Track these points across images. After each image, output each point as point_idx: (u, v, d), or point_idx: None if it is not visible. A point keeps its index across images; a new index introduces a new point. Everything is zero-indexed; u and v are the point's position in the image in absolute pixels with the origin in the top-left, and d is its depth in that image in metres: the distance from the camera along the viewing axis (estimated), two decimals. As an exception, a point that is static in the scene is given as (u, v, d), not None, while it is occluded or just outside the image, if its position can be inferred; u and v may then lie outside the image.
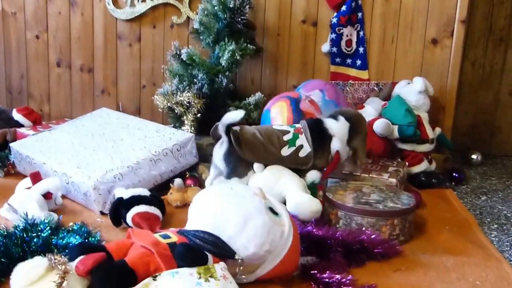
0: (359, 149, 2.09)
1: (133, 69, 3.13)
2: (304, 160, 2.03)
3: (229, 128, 1.97)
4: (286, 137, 2.04)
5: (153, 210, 1.86)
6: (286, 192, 1.90)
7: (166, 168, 2.22)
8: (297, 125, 2.10)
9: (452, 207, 2.24)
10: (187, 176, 2.28)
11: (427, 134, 2.53)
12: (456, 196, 2.40)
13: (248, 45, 2.58)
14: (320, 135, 2.04)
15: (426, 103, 2.60)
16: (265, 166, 2.00)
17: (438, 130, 2.63)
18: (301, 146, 2.02)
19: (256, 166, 1.98)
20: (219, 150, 2.01)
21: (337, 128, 2.05)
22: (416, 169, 2.50)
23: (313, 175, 2.04)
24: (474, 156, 3.01)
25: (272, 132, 2.05)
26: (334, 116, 2.09)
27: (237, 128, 2.02)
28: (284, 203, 1.87)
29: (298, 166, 2.03)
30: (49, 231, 1.62)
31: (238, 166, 1.98)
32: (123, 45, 3.12)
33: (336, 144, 2.04)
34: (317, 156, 2.03)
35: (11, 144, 2.42)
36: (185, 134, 2.33)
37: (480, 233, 1.97)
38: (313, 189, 2.00)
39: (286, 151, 2.01)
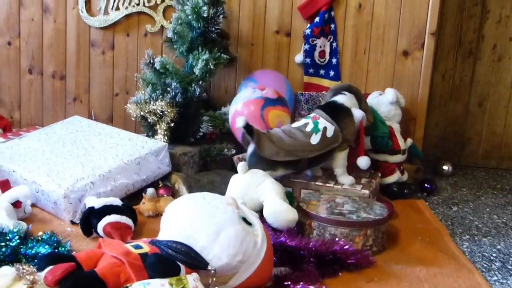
0: (367, 110, 2.34)
1: (106, 77, 3.09)
2: (333, 138, 2.17)
3: (251, 129, 2.08)
4: (308, 128, 2.16)
5: (125, 220, 1.83)
6: (265, 198, 1.89)
7: (138, 177, 2.19)
8: (311, 115, 2.22)
9: (424, 218, 2.25)
10: (160, 185, 2.26)
11: (399, 144, 2.55)
12: (428, 207, 2.42)
13: (222, 54, 2.57)
14: (336, 111, 2.22)
15: (398, 114, 2.62)
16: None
17: (409, 141, 2.65)
18: (325, 128, 2.16)
19: (240, 166, 1.98)
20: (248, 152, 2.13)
21: (349, 100, 2.28)
22: (389, 179, 2.51)
23: (363, 162, 2.23)
24: (445, 167, 3.04)
25: (294, 130, 2.16)
26: (338, 93, 2.31)
27: (264, 131, 2.15)
28: (261, 210, 1.86)
29: (331, 147, 2.16)
30: (18, 240, 1.58)
31: (261, 167, 2.06)
32: (96, 53, 3.08)
33: (358, 113, 2.25)
34: (343, 129, 2.19)
35: (-21, 152, 2.37)
36: (158, 143, 2.31)
37: (452, 243, 1.98)
38: (290, 198, 2.00)
39: (315, 139, 2.14)
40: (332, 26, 2.79)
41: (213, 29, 2.58)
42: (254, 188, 1.93)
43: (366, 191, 2.16)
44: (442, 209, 2.42)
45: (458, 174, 3.08)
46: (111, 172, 2.10)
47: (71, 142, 2.37)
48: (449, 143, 3.34)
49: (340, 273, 1.65)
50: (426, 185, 2.62)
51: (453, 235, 2.09)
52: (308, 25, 2.80)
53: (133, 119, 2.61)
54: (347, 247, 1.71)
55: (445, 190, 2.74)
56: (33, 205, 2.08)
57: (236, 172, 2.04)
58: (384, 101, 2.61)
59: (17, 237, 1.59)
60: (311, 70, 2.85)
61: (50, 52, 3.13)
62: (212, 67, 2.52)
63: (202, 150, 2.53)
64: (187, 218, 1.45)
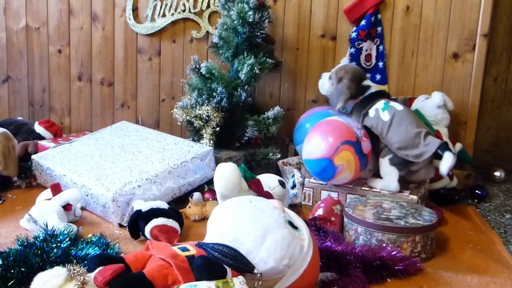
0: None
1: (152, 83, 3.15)
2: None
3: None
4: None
5: (172, 223, 1.86)
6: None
7: (184, 181, 2.22)
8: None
9: (475, 225, 2.20)
10: (205, 189, 2.28)
11: (447, 149, 2.50)
12: (479, 214, 2.36)
13: (267, 59, 2.58)
14: (367, 99, 2.35)
15: (445, 118, 2.57)
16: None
17: (459, 145, 2.59)
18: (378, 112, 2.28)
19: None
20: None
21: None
22: (437, 185, 2.46)
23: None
24: (497, 173, 2.96)
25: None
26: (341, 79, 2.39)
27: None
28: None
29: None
30: (68, 242, 1.62)
31: None
32: (143, 59, 3.14)
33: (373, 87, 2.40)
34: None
35: (32, 156, 2.45)
36: (204, 147, 2.34)
37: (505, 252, 1.92)
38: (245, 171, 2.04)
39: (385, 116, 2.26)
40: (379, 29, 2.77)
41: (259, 33, 2.60)
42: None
43: (415, 197, 2.13)
44: (494, 217, 2.36)
45: (511, 180, 3.00)
46: (158, 176, 2.14)
47: (119, 146, 2.42)
48: (501, 149, 3.25)
49: (387, 280, 1.63)
50: (477, 191, 2.56)
51: (506, 243, 2.03)
52: (354, 28, 2.79)
53: (179, 124, 2.64)
54: (394, 253, 1.68)
55: (497, 197, 2.67)
56: (83, 208, 2.13)
57: (281, 175, 2.05)
58: (431, 105, 2.57)
59: (67, 239, 1.63)
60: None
61: (99, 60, 3.21)
62: (257, 71, 2.54)
63: (247, 155, 2.55)
64: (233, 222, 1.46)
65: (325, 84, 2.51)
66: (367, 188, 2.21)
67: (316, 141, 2.19)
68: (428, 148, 2.16)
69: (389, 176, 2.21)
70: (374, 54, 2.80)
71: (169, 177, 2.17)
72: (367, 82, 2.40)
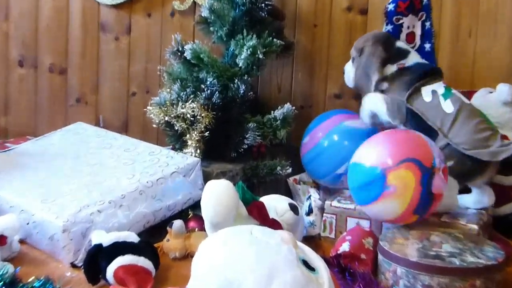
0: None
1: (119, 71, 3.15)
2: None
3: None
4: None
5: (143, 262, 1.84)
6: None
7: (161, 205, 2.20)
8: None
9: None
10: (189, 216, 2.27)
11: (518, 161, 2.49)
12: (560, 249, 2.34)
13: (275, 39, 2.58)
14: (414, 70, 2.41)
15: (514, 118, 2.56)
16: None
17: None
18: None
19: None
20: None
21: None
22: (504, 209, 2.45)
23: None
24: None
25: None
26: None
27: None
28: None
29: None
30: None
31: None
32: (107, 39, 3.14)
33: None
34: None
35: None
36: (188, 158, 2.33)
37: None
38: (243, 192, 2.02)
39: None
40: (425, -1, 2.78)
41: (263, 5, 2.61)
42: None
43: (474, 226, 2.11)
44: None
45: None
46: (125, 197, 2.12)
47: (73, 157, 2.42)
48: None
49: None
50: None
51: None
52: (392, -2, 2.80)
53: (155, 126, 2.64)
54: (447, 303, 1.67)
55: None
56: (22, 241, 2.11)
57: (291, 197, 2.04)
58: (495, 101, 2.55)
59: (1, 283, 1.62)
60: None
61: (47, 39, 3.22)
62: (261, 56, 2.54)
63: (247, 168, 2.55)
64: (227, 260, 1.44)
65: (350, 72, 2.53)
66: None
67: (375, 144, 2.14)
68: (508, 148, 2.20)
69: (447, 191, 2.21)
70: (418, 32, 2.81)
71: (140, 199, 2.15)
72: (403, 45, 2.50)
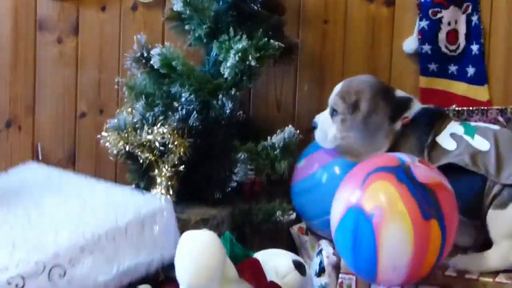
0: None
1: (64, 84, 3.15)
2: None
3: None
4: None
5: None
6: None
7: (114, 268, 2.19)
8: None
9: None
10: (160, 279, 2.26)
11: None
12: None
13: (271, 40, 2.59)
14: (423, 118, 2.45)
15: None
16: None
17: None
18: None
19: None
20: None
21: None
22: None
23: None
24: None
25: None
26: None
27: None
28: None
29: None
30: None
31: None
32: (48, 42, 3.14)
33: None
34: None
35: None
36: (156, 201, 2.33)
37: None
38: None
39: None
40: (471, -15, 2.80)
41: (255, -4, 2.61)
42: None
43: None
44: None
45: None
46: (60, 257, 2.11)
47: (6, 203, 2.41)
48: None
49: None
50: None
51: None
52: (427, -15, 2.82)
53: (112, 158, 2.63)
54: None
55: None
56: None
57: (296, 252, 2.04)
58: None
59: None
60: (432, 66, 2.85)
61: (-33, 41, 3.22)
62: (253, 63, 2.54)
63: (236, 214, 2.55)
64: None
65: (329, 128, 2.51)
66: (454, 274, 2.20)
67: (338, 192, 2.19)
68: None
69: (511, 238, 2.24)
70: (462, 30, 2.83)
71: (82, 259, 2.13)
72: (401, 92, 2.51)
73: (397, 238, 2.00)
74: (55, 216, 2.30)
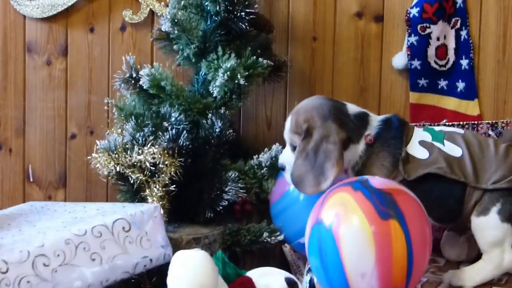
0: None
1: (53, 106, 3.15)
2: None
3: None
4: None
5: None
6: None
7: (103, 262, 2.20)
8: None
9: None
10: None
11: None
12: None
13: (260, 59, 2.59)
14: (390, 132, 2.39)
15: None
16: None
17: None
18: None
19: None
20: None
21: None
22: None
23: None
24: None
25: None
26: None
27: None
28: None
29: None
30: None
31: None
32: (37, 64, 3.15)
33: None
34: None
35: None
36: (144, 205, 2.35)
37: None
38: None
39: None
40: (459, 0, 2.80)
41: (243, 14, 2.62)
42: None
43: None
44: None
45: None
46: (45, 247, 2.10)
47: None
48: None
49: None
50: None
51: None
52: (415, 0, 2.82)
53: (103, 179, 2.63)
54: None
55: None
56: None
57: (289, 270, 2.04)
58: None
59: None
60: (422, 82, 2.86)
61: (-44, 65, 3.22)
62: (242, 81, 2.54)
63: (226, 234, 2.55)
64: None
65: (286, 158, 2.47)
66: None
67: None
68: None
69: (500, 244, 2.24)
70: (451, 45, 2.85)
71: (68, 252, 2.13)
72: (352, 107, 2.43)
73: (357, 241, 2.00)
74: (45, 227, 2.31)
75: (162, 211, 2.47)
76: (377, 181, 2.12)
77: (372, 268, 1.96)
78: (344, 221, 2.01)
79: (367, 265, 1.97)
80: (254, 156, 2.65)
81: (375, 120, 2.39)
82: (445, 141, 2.31)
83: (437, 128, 2.37)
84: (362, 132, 2.36)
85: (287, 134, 2.44)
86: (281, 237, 2.54)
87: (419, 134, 2.35)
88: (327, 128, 2.32)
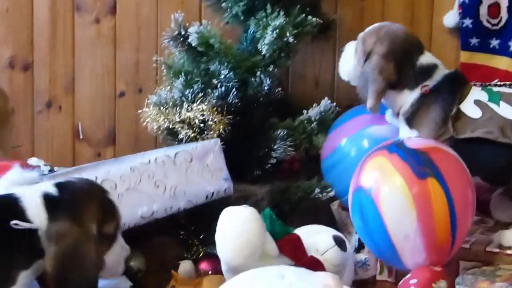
0: None
1: (102, 64, 3.17)
2: None
3: None
4: None
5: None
6: None
7: (166, 190, 2.25)
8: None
9: None
10: (200, 254, 2.27)
11: None
12: None
13: (309, 17, 2.59)
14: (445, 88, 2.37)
15: None
16: None
17: None
18: None
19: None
20: None
21: None
22: None
23: None
24: None
25: None
26: None
27: None
28: None
29: None
30: None
31: None
32: (85, 22, 3.16)
33: None
34: None
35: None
36: (204, 141, 2.41)
37: None
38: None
39: None
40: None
41: (291, -29, 2.61)
42: None
43: None
44: None
45: None
46: (110, 173, 2.19)
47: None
48: None
49: None
50: None
51: None
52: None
53: (152, 134, 2.65)
54: None
55: None
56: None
57: (337, 228, 2.05)
58: None
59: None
60: (473, 41, 2.83)
61: (6, 25, 3.23)
62: (291, 40, 2.54)
63: (275, 191, 2.56)
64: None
65: (348, 62, 2.51)
66: (496, 250, 2.21)
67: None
68: None
69: None
70: (504, 3, 2.81)
71: (132, 178, 2.20)
72: (427, 57, 2.41)
73: (397, 203, 2.01)
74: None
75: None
76: (412, 141, 2.13)
77: (415, 228, 1.97)
78: (382, 185, 2.03)
79: (410, 226, 1.98)
80: (303, 111, 2.64)
81: (439, 73, 2.37)
82: (501, 102, 2.27)
83: (495, 89, 2.34)
84: (420, 82, 2.35)
85: (360, 35, 2.47)
86: (332, 193, 2.55)
87: (476, 93, 2.32)
88: (386, 63, 2.34)
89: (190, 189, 2.27)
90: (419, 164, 2.00)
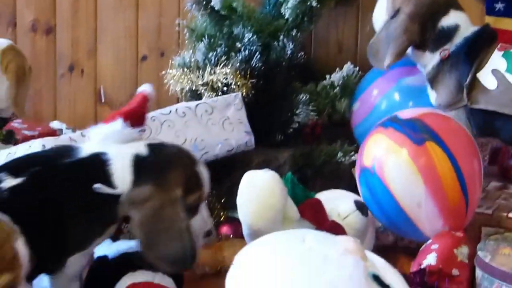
0: None
1: (124, 28, 3.17)
2: None
3: None
4: None
5: (161, 279, 1.86)
6: None
7: (186, 140, 2.28)
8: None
9: None
10: (221, 217, 2.29)
11: None
12: None
13: (333, -20, 2.58)
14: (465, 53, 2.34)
15: None
16: None
17: None
18: None
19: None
20: None
21: None
22: None
23: None
24: None
25: None
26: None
27: None
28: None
29: None
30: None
31: None
32: (108, -14, 3.16)
33: None
34: None
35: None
36: (226, 95, 2.41)
37: None
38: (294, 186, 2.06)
39: None
40: None
41: None
42: None
43: None
44: None
45: None
46: None
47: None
48: None
49: None
50: None
51: None
52: None
53: (175, 95, 2.65)
54: None
55: None
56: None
57: (358, 192, 2.06)
58: None
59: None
60: (499, 6, 2.81)
61: (28, -12, 3.25)
62: (314, 3, 2.53)
63: (297, 156, 2.56)
64: (274, 277, 1.46)
65: (380, 16, 2.52)
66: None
67: None
68: None
69: None
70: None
71: (161, 129, 2.22)
72: (450, 19, 2.38)
73: (402, 174, 2.03)
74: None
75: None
76: (406, 112, 2.15)
77: (425, 194, 1.98)
78: (383, 160, 2.05)
79: (419, 194, 1.99)
80: (326, 76, 2.64)
81: (461, 36, 2.34)
82: None
83: None
84: (440, 45, 2.34)
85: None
86: (355, 157, 2.54)
87: (495, 61, 2.29)
88: (410, 23, 2.33)
89: (211, 140, 2.28)
90: (415, 131, 2.02)
